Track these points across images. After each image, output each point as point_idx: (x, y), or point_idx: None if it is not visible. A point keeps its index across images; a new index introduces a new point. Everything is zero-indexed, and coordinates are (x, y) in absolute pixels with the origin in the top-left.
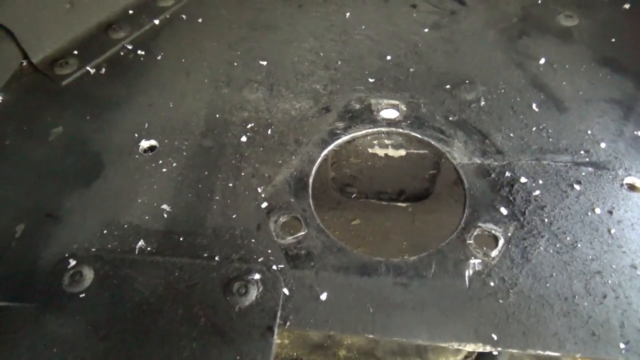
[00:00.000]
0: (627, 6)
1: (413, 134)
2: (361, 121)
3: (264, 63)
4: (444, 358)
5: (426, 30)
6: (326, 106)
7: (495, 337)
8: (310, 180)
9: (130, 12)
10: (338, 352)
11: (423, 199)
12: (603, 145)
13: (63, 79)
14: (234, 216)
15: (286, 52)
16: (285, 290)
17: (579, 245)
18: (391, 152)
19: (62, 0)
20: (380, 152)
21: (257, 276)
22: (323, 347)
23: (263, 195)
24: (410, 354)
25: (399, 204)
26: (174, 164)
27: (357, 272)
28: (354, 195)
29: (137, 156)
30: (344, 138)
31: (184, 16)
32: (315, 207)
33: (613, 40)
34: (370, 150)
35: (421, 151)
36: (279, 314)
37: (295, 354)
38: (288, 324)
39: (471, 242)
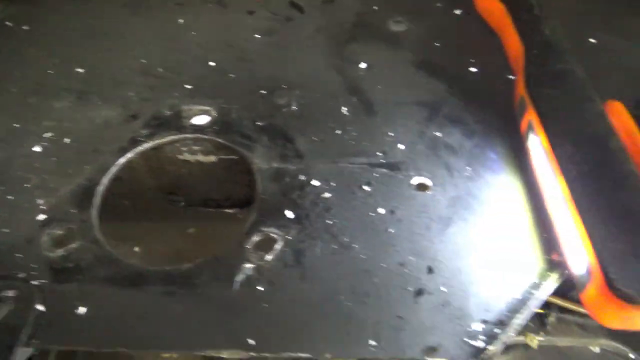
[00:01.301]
0: (458, 12)
1: (217, 139)
2: (167, 128)
3: (81, 70)
4: None
5: (258, 36)
6: (134, 113)
7: (252, 342)
8: (100, 189)
9: None
10: None
11: (250, 204)
12: (401, 146)
13: None
14: (5, 231)
15: (108, 59)
16: (41, 307)
17: (355, 245)
18: (202, 158)
19: None
20: (191, 158)
21: (10, 293)
22: (213, 357)
23: (43, 207)
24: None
25: (228, 210)
26: None
27: (125, 284)
28: (182, 204)
29: None
30: (146, 145)
31: (9, 23)
32: (145, 219)
33: (437, 44)
34: (180, 157)
35: (231, 157)
36: (24, 332)
37: None
38: (35, 341)
39: (249, 247)
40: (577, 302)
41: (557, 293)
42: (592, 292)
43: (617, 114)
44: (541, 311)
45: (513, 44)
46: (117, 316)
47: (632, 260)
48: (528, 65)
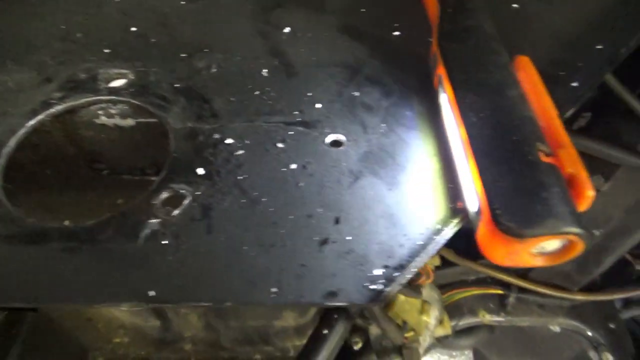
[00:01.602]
0: None
1: (132, 101)
2: (82, 91)
3: None
4: (290, 342)
5: (183, 2)
6: (48, 77)
7: (153, 293)
8: (6, 150)
9: None
10: (184, 347)
11: None
12: (319, 105)
13: None
14: None
15: (26, 25)
16: None
17: (264, 199)
18: (119, 122)
19: None
20: (109, 122)
21: None
22: (166, 342)
23: None
24: (257, 341)
25: (154, 178)
26: None
27: (25, 241)
28: (105, 172)
29: None
30: (58, 108)
31: None
32: (69, 189)
33: (363, 10)
34: (97, 121)
35: (150, 120)
36: None
37: (143, 352)
38: None
39: (156, 202)
40: (536, 282)
41: (518, 274)
42: (482, 230)
43: (524, 67)
44: (501, 292)
45: (432, 5)
46: (15, 273)
47: (515, 195)
48: (441, 23)
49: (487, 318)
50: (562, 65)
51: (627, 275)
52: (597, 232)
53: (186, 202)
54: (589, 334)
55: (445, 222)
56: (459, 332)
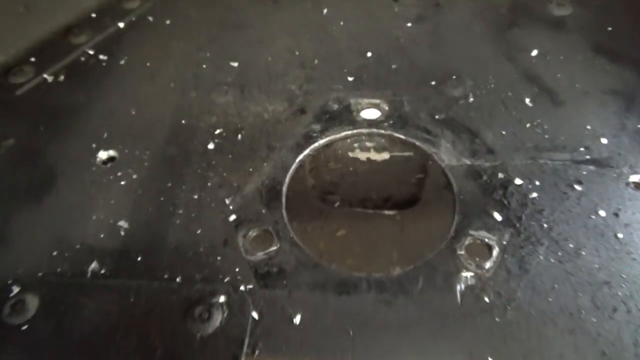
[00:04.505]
0: None
1: (396, 134)
2: (339, 122)
3: (235, 64)
4: None
5: (409, 24)
6: (301, 107)
7: (491, 359)
8: (284, 189)
9: (93, 15)
10: None
11: (411, 205)
12: (604, 140)
13: (17, 88)
14: (198, 231)
15: (259, 52)
16: (254, 314)
17: (583, 252)
18: (374, 155)
19: (16, 3)
20: (362, 155)
21: (222, 299)
22: None
23: (231, 207)
24: None
25: (386, 211)
26: (134, 176)
27: (335, 290)
28: (337, 203)
29: (94, 168)
30: (321, 141)
31: (150, 18)
32: (295, 218)
33: (609, 28)
34: (351, 154)
35: (406, 153)
36: (246, 342)
37: None
38: (257, 352)
39: (462, 252)
40: None
41: None
42: None
43: None
44: None
45: None
46: (334, 326)
47: None
48: None
49: None
50: None
51: None
52: None
53: (495, 252)
54: None
55: None
56: None
